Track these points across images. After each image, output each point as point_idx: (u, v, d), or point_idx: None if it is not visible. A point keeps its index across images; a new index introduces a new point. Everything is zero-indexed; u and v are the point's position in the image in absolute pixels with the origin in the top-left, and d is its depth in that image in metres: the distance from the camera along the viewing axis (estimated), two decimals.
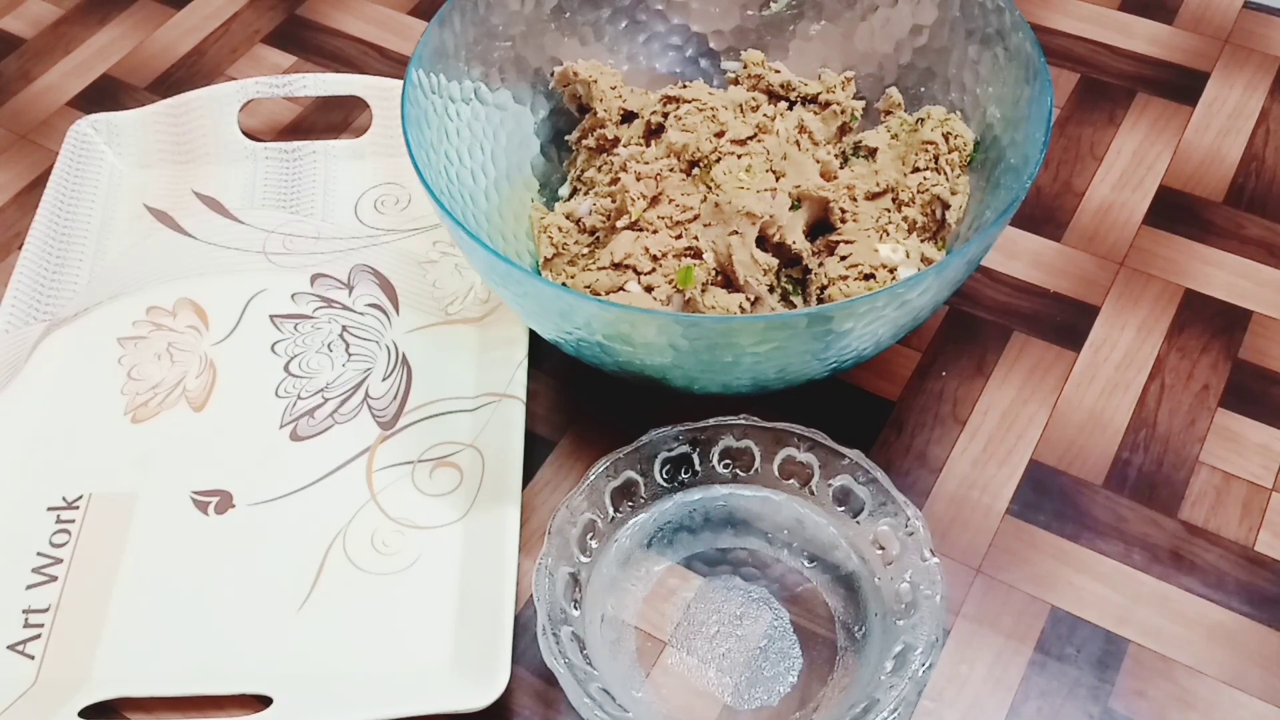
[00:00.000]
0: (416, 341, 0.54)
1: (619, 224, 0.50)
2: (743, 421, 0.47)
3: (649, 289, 0.48)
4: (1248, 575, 0.47)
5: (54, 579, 0.47)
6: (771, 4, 0.57)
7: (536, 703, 0.45)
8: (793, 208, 0.50)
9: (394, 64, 0.68)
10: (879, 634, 0.44)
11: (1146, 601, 0.46)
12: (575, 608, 0.44)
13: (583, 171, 0.55)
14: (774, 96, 0.55)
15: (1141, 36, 0.66)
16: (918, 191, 0.51)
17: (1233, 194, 0.59)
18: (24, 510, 0.49)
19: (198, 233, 0.59)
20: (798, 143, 0.53)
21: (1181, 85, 0.64)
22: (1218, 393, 0.52)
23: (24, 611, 0.46)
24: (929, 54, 0.54)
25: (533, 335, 0.53)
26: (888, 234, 0.50)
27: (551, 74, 0.56)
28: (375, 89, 0.62)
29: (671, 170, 0.51)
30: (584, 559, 0.45)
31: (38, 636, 0.46)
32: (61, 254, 0.58)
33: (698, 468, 0.47)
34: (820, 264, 0.50)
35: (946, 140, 0.51)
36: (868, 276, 0.48)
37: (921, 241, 0.51)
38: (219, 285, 0.56)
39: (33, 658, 0.45)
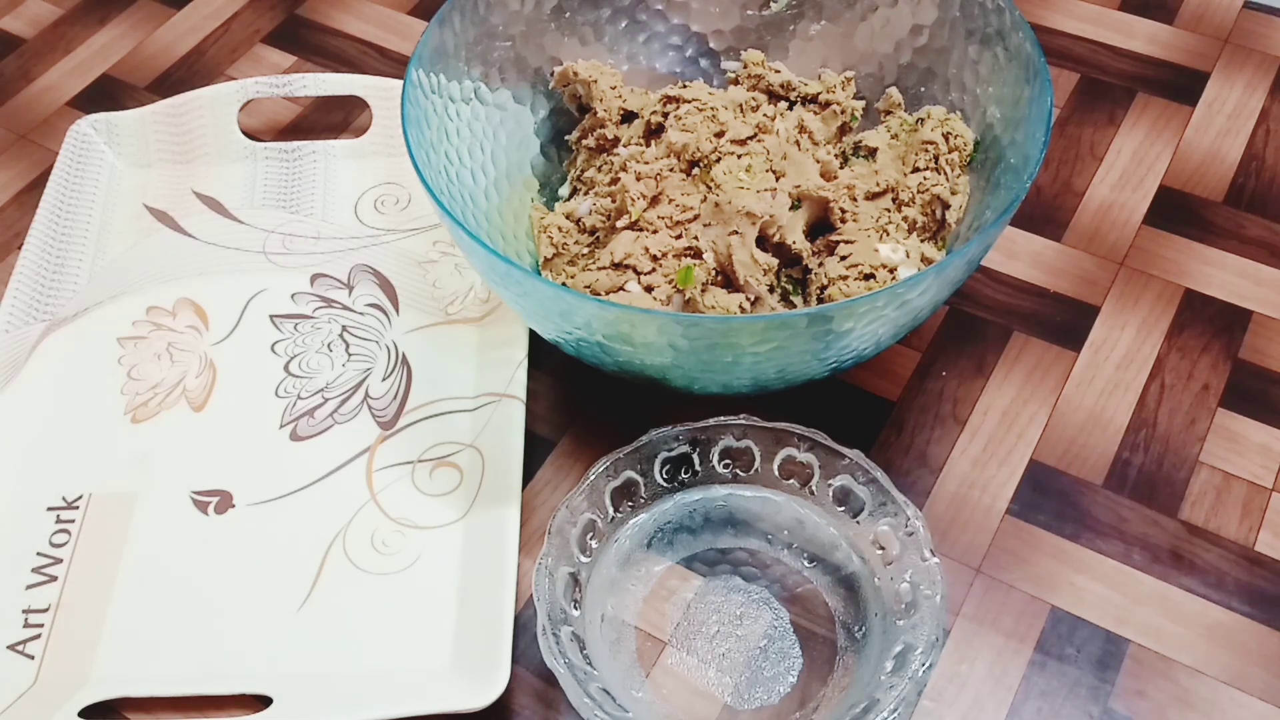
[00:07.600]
0: (416, 341, 0.54)
1: (619, 224, 0.50)
2: (743, 421, 0.47)
3: (649, 289, 0.48)
4: (1248, 575, 0.47)
5: (54, 579, 0.47)
6: (771, 4, 0.57)
7: (536, 703, 0.45)
8: (793, 208, 0.50)
9: (394, 64, 0.68)
10: (879, 634, 0.44)
11: (1146, 601, 0.46)
12: (575, 608, 0.44)
13: (583, 171, 0.55)
14: (774, 96, 0.55)
15: (1141, 36, 0.66)
16: (918, 191, 0.51)
17: (1233, 194, 0.59)
18: (24, 510, 0.49)
19: (198, 233, 0.59)
20: (798, 143, 0.53)
21: (1181, 85, 0.64)
22: (1218, 393, 0.52)
23: (24, 611, 0.46)
24: (929, 54, 0.54)
25: (533, 335, 0.53)
26: (888, 234, 0.50)
27: (551, 74, 0.56)
28: (375, 89, 0.62)
29: (671, 170, 0.51)
30: (584, 559, 0.45)
31: (38, 636, 0.46)
32: (61, 254, 0.58)
33: (698, 468, 0.47)
34: (820, 264, 0.50)
35: (946, 140, 0.51)
36: (868, 276, 0.48)
37: (921, 241, 0.51)
38: (219, 285, 0.56)
39: (33, 658, 0.45)
